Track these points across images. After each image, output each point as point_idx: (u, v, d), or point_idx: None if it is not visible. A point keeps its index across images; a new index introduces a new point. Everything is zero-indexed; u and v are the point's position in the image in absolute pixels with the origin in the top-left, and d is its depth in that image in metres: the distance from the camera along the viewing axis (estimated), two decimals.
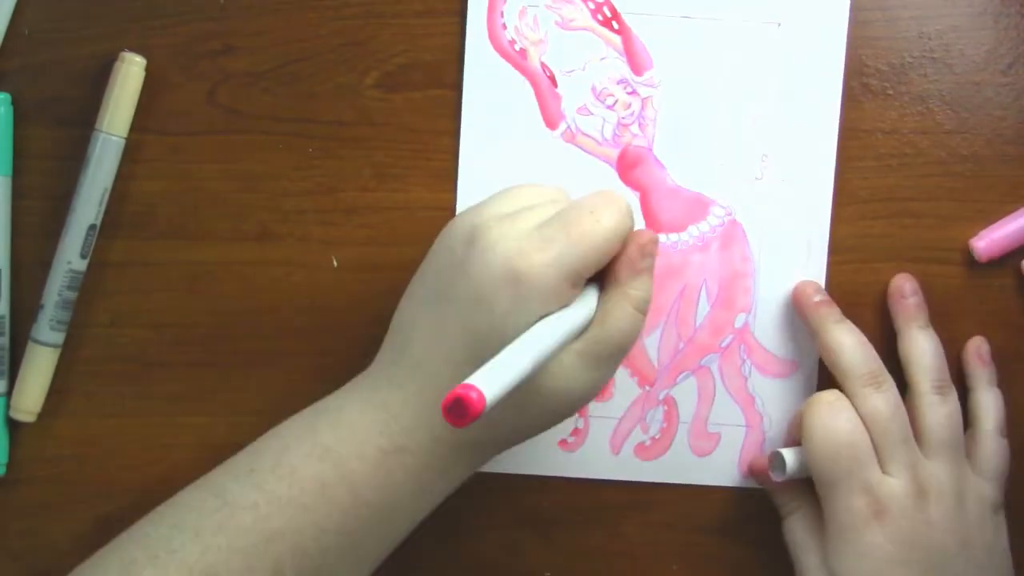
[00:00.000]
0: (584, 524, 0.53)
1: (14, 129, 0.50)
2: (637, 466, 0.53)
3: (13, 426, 0.51)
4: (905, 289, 0.51)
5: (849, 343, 0.49)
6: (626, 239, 0.45)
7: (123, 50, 0.49)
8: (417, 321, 0.45)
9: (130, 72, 0.49)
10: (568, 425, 0.53)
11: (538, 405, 0.44)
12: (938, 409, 0.48)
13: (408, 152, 0.52)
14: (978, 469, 0.49)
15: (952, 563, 0.46)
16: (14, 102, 0.50)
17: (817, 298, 0.51)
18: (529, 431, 0.46)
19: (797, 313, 0.52)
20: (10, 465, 0.51)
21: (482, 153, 0.51)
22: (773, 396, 0.53)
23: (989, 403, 0.50)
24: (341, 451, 0.44)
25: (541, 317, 0.42)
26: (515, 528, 0.53)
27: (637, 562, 0.54)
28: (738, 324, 0.53)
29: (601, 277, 0.46)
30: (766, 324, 0.52)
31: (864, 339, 0.50)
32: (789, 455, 0.49)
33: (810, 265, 0.52)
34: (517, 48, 0.51)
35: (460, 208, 0.51)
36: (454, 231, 0.45)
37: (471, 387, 0.35)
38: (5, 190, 0.50)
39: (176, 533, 0.43)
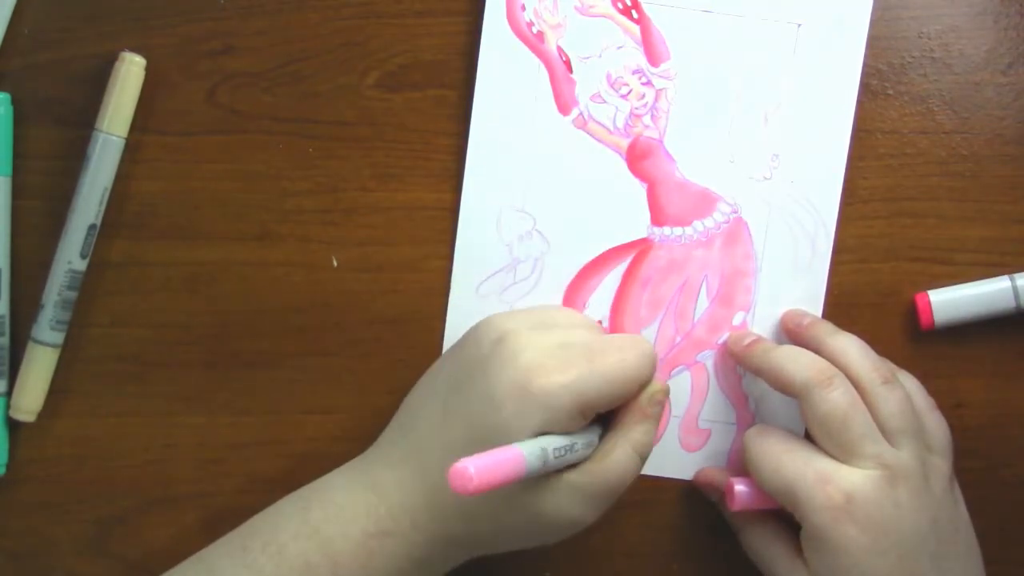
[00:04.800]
0: None
1: (14, 129, 0.50)
2: None
3: (13, 426, 0.51)
4: (795, 318, 0.51)
5: (791, 354, 0.49)
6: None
7: (123, 50, 0.49)
8: (426, 406, 0.47)
9: (130, 72, 0.49)
10: None
11: (522, 520, 0.44)
12: (888, 397, 0.47)
13: (408, 152, 0.52)
14: (928, 448, 0.49)
15: (924, 543, 0.46)
16: (14, 102, 0.50)
17: (747, 341, 0.51)
18: (508, 542, 0.46)
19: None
20: (10, 465, 0.51)
21: (492, 134, 0.51)
22: (766, 396, 0.53)
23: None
24: (328, 531, 0.44)
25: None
26: None
27: (637, 562, 0.54)
28: (736, 322, 0.53)
29: (607, 420, 0.46)
30: (764, 324, 0.52)
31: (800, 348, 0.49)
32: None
33: (813, 269, 0.52)
34: (535, 31, 0.51)
35: (466, 192, 0.51)
36: (485, 329, 0.46)
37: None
38: (5, 190, 0.50)
39: None
